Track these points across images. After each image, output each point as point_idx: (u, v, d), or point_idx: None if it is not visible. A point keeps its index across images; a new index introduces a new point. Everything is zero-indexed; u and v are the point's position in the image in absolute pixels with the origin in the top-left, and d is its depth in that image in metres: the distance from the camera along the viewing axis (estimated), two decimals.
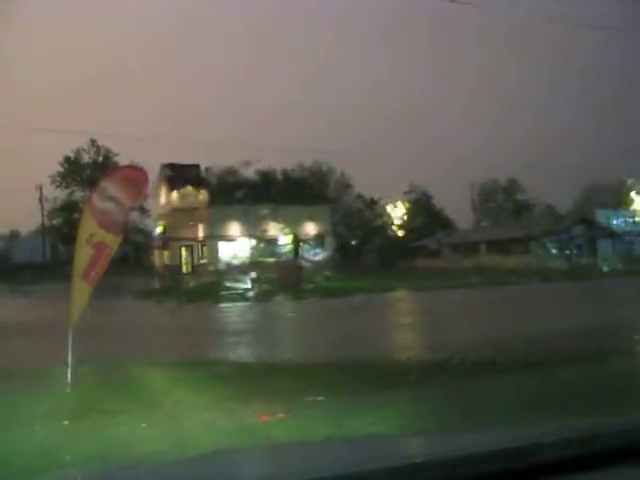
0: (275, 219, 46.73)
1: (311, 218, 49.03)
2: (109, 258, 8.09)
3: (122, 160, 55.25)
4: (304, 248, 48.64)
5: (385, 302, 23.94)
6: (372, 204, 63.97)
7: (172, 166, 50.19)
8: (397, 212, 64.32)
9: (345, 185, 63.99)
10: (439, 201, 67.23)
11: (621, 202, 57.11)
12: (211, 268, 43.28)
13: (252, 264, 41.55)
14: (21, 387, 7.68)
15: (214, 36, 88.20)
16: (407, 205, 64.66)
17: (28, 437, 5.41)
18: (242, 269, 39.65)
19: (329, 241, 50.25)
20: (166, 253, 50.49)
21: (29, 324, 16.86)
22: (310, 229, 49.41)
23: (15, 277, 42.47)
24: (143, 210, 56.54)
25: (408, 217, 64.00)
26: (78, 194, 58.44)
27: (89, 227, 8.03)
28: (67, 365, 7.58)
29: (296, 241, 47.81)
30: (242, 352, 12.51)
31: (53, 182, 59.23)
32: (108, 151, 59.44)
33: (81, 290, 7.92)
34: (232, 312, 22.47)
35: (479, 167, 66.49)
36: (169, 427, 5.99)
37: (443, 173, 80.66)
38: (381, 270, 46.94)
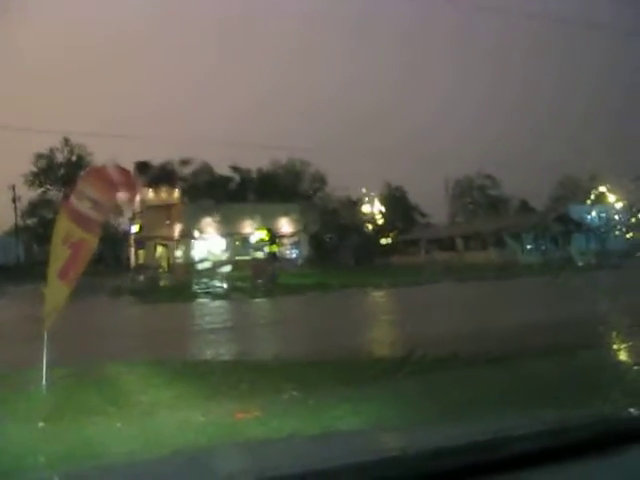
0: (250, 216, 46.69)
1: (286, 215, 49.07)
2: (88, 257, 8.05)
3: (96, 159, 54.94)
4: (279, 245, 48.65)
5: (358, 299, 24.01)
6: (347, 201, 64.05)
7: (146, 164, 49.95)
8: (372, 208, 64.42)
9: (320, 182, 64.05)
10: (414, 197, 67.52)
11: (594, 197, 57.66)
12: (186, 266, 43.13)
13: (227, 262, 41.46)
14: None
15: (188, 33, 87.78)
16: (382, 201, 64.77)
17: (2, 439, 5.38)
18: (217, 267, 39.54)
19: (304, 238, 50.29)
20: (142, 252, 50.22)
21: (2, 325, 16.71)
22: (285, 226, 49.42)
23: None
24: (119, 210, 56.21)
25: (383, 213, 64.12)
26: (52, 193, 57.94)
27: (65, 227, 7.98)
28: (42, 366, 7.53)
29: (271, 238, 47.77)
30: (217, 350, 12.49)
31: (26, 182, 58.65)
32: (82, 149, 58.98)
33: (58, 290, 7.87)
34: (207, 310, 22.41)
35: (454, 163, 66.78)
36: (145, 426, 5.97)
37: (418, 169, 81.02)
38: (356, 267, 47.06)
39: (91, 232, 8.05)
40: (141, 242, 50.22)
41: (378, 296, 25.90)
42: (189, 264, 43.81)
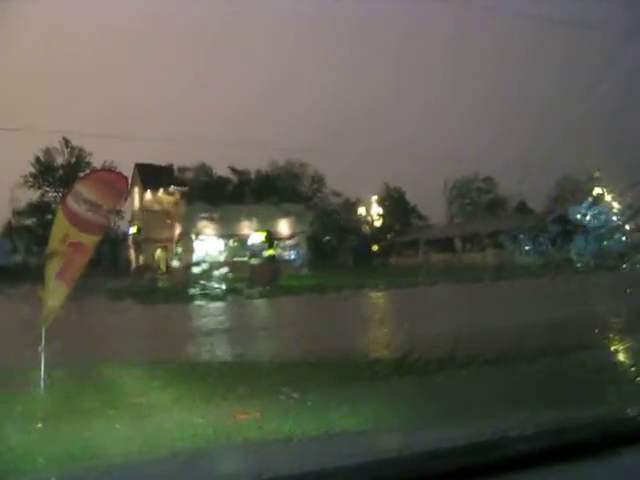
0: (249, 218, 46.68)
1: (285, 217, 49.07)
2: (87, 258, 8.06)
3: (96, 159, 54.91)
4: (278, 247, 48.63)
5: (355, 300, 24.02)
6: (346, 201, 64.03)
7: (146, 166, 49.88)
8: (371, 209, 64.39)
9: (319, 183, 64.02)
10: (413, 198, 67.43)
11: (593, 198, 57.61)
12: (185, 268, 43.10)
13: (226, 263, 41.44)
14: None
15: (187, 34, 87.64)
16: (381, 202, 64.74)
17: (0, 440, 5.37)
18: (216, 268, 39.53)
19: (303, 240, 50.28)
20: (140, 254, 50.20)
21: (0, 326, 16.69)
22: (285, 228, 49.42)
23: None
24: (117, 211, 56.17)
25: (382, 214, 64.10)
26: (51, 194, 57.89)
27: (63, 228, 7.99)
28: (40, 367, 7.53)
29: (270, 240, 47.75)
30: (216, 351, 12.48)
31: (25, 183, 58.59)
32: (81, 150, 58.92)
33: (56, 291, 7.87)
34: (206, 311, 22.41)
35: (453, 164, 66.63)
36: (143, 428, 5.97)
37: (417, 170, 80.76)
38: (355, 268, 47.07)
39: (90, 233, 8.06)
40: (140, 244, 50.20)
41: (375, 297, 25.89)
42: (188, 266, 43.77)
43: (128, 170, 47.45)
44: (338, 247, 58.92)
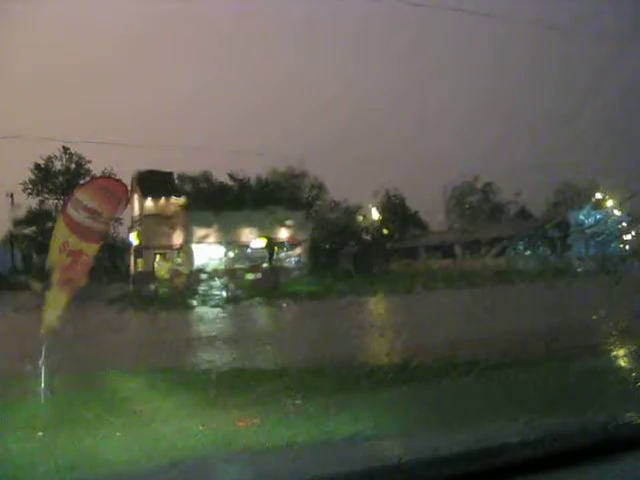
0: (249, 224, 46.69)
1: (285, 223, 49.07)
2: (87, 266, 8.06)
3: (95, 167, 54.95)
4: (279, 253, 48.63)
5: (355, 307, 24.00)
6: (346, 208, 64.02)
7: (145, 173, 49.87)
8: (371, 215, 64.37)
9: (319, 189, 64.03)
10: (413, 204, 67.44)
11: (593, 203, 57.62)
12: (186, 275, 43.10)
13: (227, 270, 41.47)
14: None
15: (184, 42, 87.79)
16: (381, 208, 64.73)
17: (0, 449, 5.36)
18: (217, 275, 39.53)
19: (304, 246, 50.27)
20: (141, 261, 50.14)
21: (1, 333, 16.68)
22: (285, 234, 49.41)
23: None
24: (117, 218, 56.15)
25: (382, 220, 64.08)
26: (51, 202, 57.90)
27: (63, 235, 7.99)
28: (41, 374, 7.52)
29: (271, 246, 47.73)
30: (216, 359, 12.47)
31: (25, 190, 58.60)
32: (81, 158, 58.95)
33: (57, 298, 7.87)
34: (206, 318, 22.41)
35: (453, 170, 66.64)
36: (144, 436, 5.96)
37: (417, 176, 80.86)
38: (356, 274, 47.04)
39: (90, 241, 8.06)
40: (140, 251, 50.14)
41: (376, 304, 25.89)
42: (188, 272, 43.78)
43: (128, 177, 47.49)
44: (338, 254, 58.89)
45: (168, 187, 51.35)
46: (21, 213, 58.01)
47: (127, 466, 4.29)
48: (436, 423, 5.36)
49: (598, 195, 57.31)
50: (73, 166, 59.11)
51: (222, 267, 44.31)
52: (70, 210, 8.09)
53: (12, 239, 57.14)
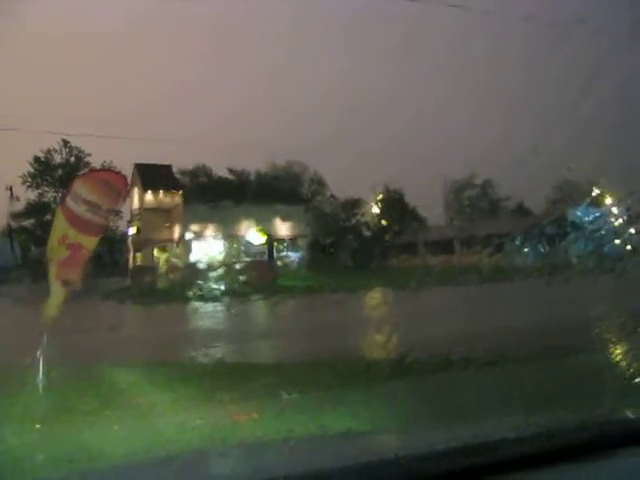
0: (249, 219, 46.69)
1: (285, 218, 49.09)
2: (86, 259, 8.06)
3: (94, 160, 54.91)
4: (278, 248, 48.65)
5: (352, 301, 24.03)
6: (345, 203, 64.01)
7: (145, 166, 49.83)
8: (371, 210, 64.39)
9: (318, 184, 64.02)
10: (413, 199, 67.45)
11: (593, 200, 57.61)
12: (185, 268, 43.13)
13: (225, 264, 41.49)
14: None
15: (183, 34, 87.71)
16: (380, 203, 64.73)
17: None
18: (215, 269, 39.54)
19: (303, 241, 50.30)
20: (140, 254, 50.17)
21: None
22: (284, 229, 49.44)
23: None
24: (116, 211, 56.11)
25: (381, 215, 64.09)
26: (50, 195, 57.87)
27: (62, 228, 7.98)
28: (39, 367, 7.53)
29: (270, 241, 47.74)
30: (214, 352, 12.47)
31: (24, 183, 58.57)
32: (80, 151, 58.91)
33: (56, 291, 7.87)
34: (204, 312, 22.42)
35: (452, 165, 66.73)
36: (142, 429, 5.97)
37: (416, 171, 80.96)
38: (354, 269, 47.10)
39: (89, 234, 8.05)
40: (139, 244, 50.15)
41: (374, 299, 25.92)
42: (187, 266, 43.80)
43: (127, 170, 47.44)
44: (337, 248, 58.91)
45: (167, 180, 51.33)
46: (20, 206, 58.08)
47: (124, 459, 4.29)
48: (432, 418, 5.37)
49: (597, 192, 57.29)
50: (73, 159, 59.09)
51: (220, 261, 44.33)
52: (69, 202, 8.09)
53: (11, 232, 57.13)
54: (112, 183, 8.36)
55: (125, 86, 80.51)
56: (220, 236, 47.04)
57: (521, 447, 2.24)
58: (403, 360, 8.91)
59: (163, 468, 2.62)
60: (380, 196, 65.34)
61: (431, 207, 72.09)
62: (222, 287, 30.57)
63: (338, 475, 2.07)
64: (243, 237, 47.38)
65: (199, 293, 28.62)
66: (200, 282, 31.58)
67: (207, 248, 46.51)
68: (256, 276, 32.94)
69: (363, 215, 64.12)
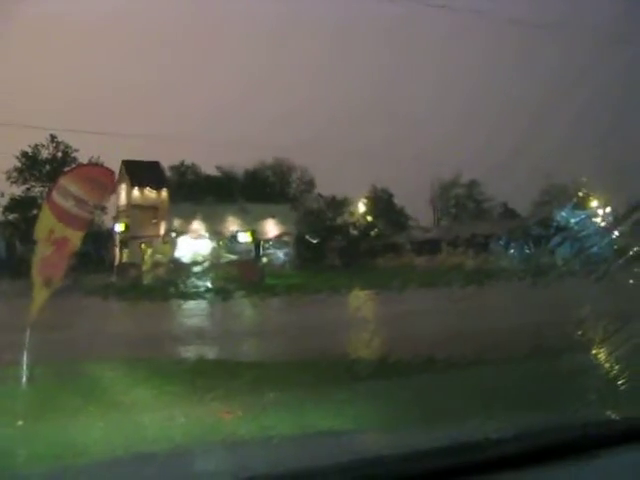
0: (236, 217, 46.66)
1: (273, 216, 49.08)
2: (71, 254, 8.03)
3: (82, 156, 54.71)
4: (266, 246, 48.63)
5: (338, 300, 24.11)
6: (334, 202, 64.07)
7: (133, 163, 49.68)
8: (359, 210, 64.48)
9: (307, 184, 64.07)
10: (401, 199, 67.59)
11: (578, 203, 57.90)
12: (171, 266, 43.02)
13: (212, 262, 41.43)
14: None
15: (171, 30, 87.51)
16: (368, 203, 64.85)
17: None
18: (202, 266, 39.48)
19: (291, 239, 50.29)
20: (126, 251, 50.00)
21: None
22: (272, 227, 49.42)
23: None
24: (102, 207, 55.86)
25: (369, 215, 64.20)
26: (36, 190, 57.61)
27: (49, 223, 7.95)
28: (22, 363, 7.49)
29: (257, 239, 47.72)
30: (198, 349, 12.44)
31: (9, 178, 58.28)
32: (67, 147, 58.69)
33: (41, 287, 7.84)
34: (189, 309, 22.37)
35: (440, 166, 66.74)
36: (126, 426, 5.95)
37: (404, 171, 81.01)
38: (342, 268, 47.14)
39: (75, 229, 8.02)
40: (126, 241, 49.98)
41: (360, 298, 25.94)
42: (174, 263, 43.70)
43: (115, 167, 47.27)
44: (325, 247, 58.97)
45: (155, 177, 51.19)
46: (6, 200, 57.77)
47: (108, 455, 4.28)
48: (416, 418, 5.39)
49: (583, 194, 57.58)
50: (60, 154, 58.86)
51: (207, 259, 44.25)
52: (56, 197, 8.05)
53: None
54: (100, 179, 8.34)
55: (113, 82, 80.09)
56: (207, 234, 46.95)
57: (504, 448, 2.25)
58: (386, 360, 8.95)
59: (146, 465, 2.61)
60: (368, 195, 65.49)
61: (419, 207, 72.32)
62: (208, 285, 30.53)
63: (320, 474, 2.07)
64: (230, 235, 47.33)
65: (184, 290, 28.57)
66: (186, 279, 31.52)
67: (194, 245, 46.42)
68: (242, 274, 32.91)
69: (351, 214, 64.20)
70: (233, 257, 43.43)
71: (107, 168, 9.51)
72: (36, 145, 58.77)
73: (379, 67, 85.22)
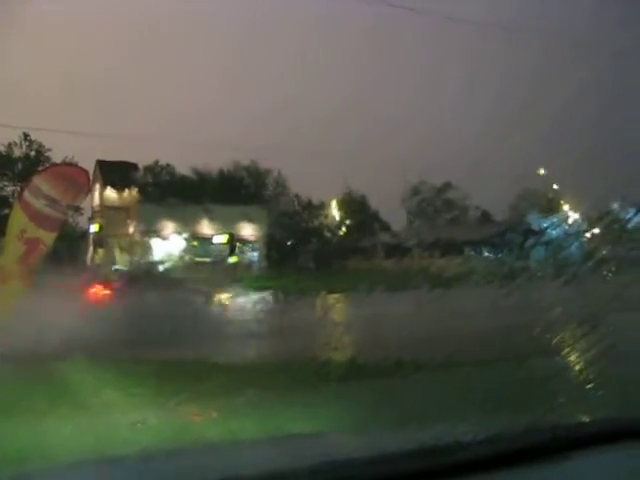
0: (211, 218, 46.54)
1: (247, 218, 49.04)
2: (42, 254, 7.97)
3: (55, 155, 54.18)
4: (239, 248, 48.56)
5: (309, 302, 24.12)
6: (308, 205, 64.06)
7: (107, 163, 49.37)
8: (333, 213, 64.52)
9: (282, 186, 63.97)
10: (375, 202, 67.66)
11: (551, 208, 58.46)
12: (145, 267, 42.82)
13: (186, 263, 41.33)
14: None
15: (143, 30, 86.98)
16: (342, 206, 64.91)
17: None
18: (175, 268, 39.35)
19: (265, 241, 50.29)
20: (100, 251, 49.68)
21: None
22: (246, 229, 49.37)
23: None
24: (77, 207, 55.37)
25: (343, 218, 64.27)
26: (9, 189, 56.94)
27: (20, 222, 7.89)
28: None
29: (232, 241, 47.64)
30: (170, 351, 12.34)
31: None
32: (41, 146, 58.08)
33: (11, 286, 7.77)
34: (161, 310, 22.22)
35: (415, 169, 66.88)
36: (96, 427, 5.90)
37: (379, 174, 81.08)
38: (316, 270, 47.25)
39: (47, 229, 7.96)
40: (100, 241, 49.67)
41: (333, 300, 26.01)
42: (147, 264, 43.50)
43: (89, 167, 46.90)
44: (298, 249, 58.95)
45: (129, 178, 50.95)
46: None
47: (78, 458, 4.24)
48: (386, 420, 5.40)
49: (555, 199, 58.21)
50: (33, 153, 58.24)
51: (180, 259, 44.13)
52: (28, 197, 8.00)
53: None
54: (74, 178, 8.30)
55: (88, 81, 79.46)
56: (181, 235, 46.83)
57: (474, 450, 2.26)
58: (355, 362, 8.97)
59: (117, 467, 2.60)
60: (341, 198, 65.54)
61: (393, 210, 72.42)
62: (182, 285, 30.37)
63: (291, 476, 2.07)
64: (204, 236, 47.23)
65: (157, 291, 28.42)
66: (160, 280, 31.30)
67: (168, 247, 46.28)
68: (216, 275, 32.88)
69: (324, 217, 64.22)
70: (206, 258, 43.35)
71: (81, 168, 9.47)
72: (9, 144, 58.12)
73: (355, 69, 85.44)
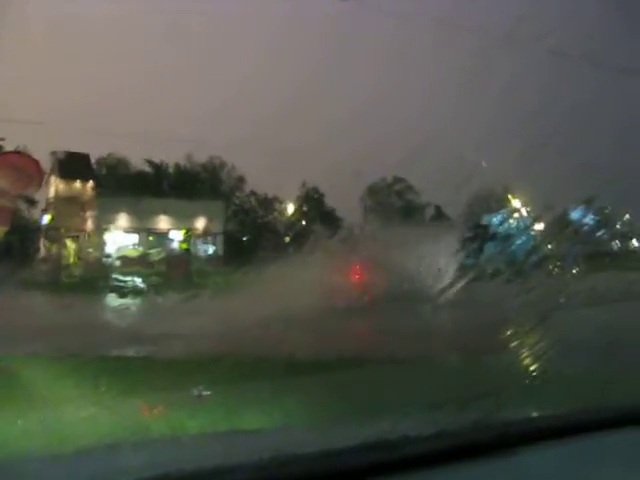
0: (166, 212, 46.13)
1: (202, 213, 48.71)
2: None
3: (8, 145, 53.06)
4: (194, 243, 48.22)
5: (265, 296, 24.00)
6: (264, 200, 63.83)
7: (61, 154, 48.51)
8: (289, 209, 64.39)
9: (238, 181, 63.61)
10: (333, 200, 67.55)
11: (505, 207, 58.99)
12: (97, 261, 42.30)
13: (139, 257, 40.94)
14: None
15: (99, 24, 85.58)
16: (298, 202, 64.79)
17: None
18: (128, 262, 38.94)
19: (220, 237, 50.01)
20: (52, 244, 48.82)
21: None
22: (201, 224, 49.05)
23: None
24: (30, 200, 54.34)
25: (299, 214, 64.14)
26: None
27: None
28: None
29: (186, 236, 47.28)
30: (123, 346, 12.23)
31: None
32: None
33: None
34: (114, 305, 22.00)
35: (374, 168, 66.85)
36: (47, 423, 5.85)
37: (338, 172, 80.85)
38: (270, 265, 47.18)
39: None
40: (52, 234, 48.79)
41: (284, 297, 25.93)
42: (100, 258, 42.97)
43: (43, 158, 46.01)
44: (254, 245, 58.70)
45: (83, 169, 50.14)
46: None
47: (28, 454, 4.21)
48: (332, 415, 5.44)
49: (510, 198, 58.78)
50: None
51: (133, 255, 43.70)
52: None
53: None
54: (23, 167, 8.12)
55: (44, 71, 77.98)
56: (136, 229, 46.34)
57: (421, 445, 2.29)
58: (303, 357, 9.01)
59: (68, 463, 2.59)
60: (298, 195, 65.44)
61: (351, 209, 72.38)
62: (135, 280, 30.13)
63: (236, 471, 2.09)
64: (159, 231, 46.80)
65: (110, 285, 28.16)
66: (112, 274, 31.01)
67: (122, 240, 45.76)
68: (169, 270, 32.64)
69: (281, 213, 64.07)
70: (160, 253, 42.98)
71: (30, 156, 9.24)
72: None
73: (315, 66, 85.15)
